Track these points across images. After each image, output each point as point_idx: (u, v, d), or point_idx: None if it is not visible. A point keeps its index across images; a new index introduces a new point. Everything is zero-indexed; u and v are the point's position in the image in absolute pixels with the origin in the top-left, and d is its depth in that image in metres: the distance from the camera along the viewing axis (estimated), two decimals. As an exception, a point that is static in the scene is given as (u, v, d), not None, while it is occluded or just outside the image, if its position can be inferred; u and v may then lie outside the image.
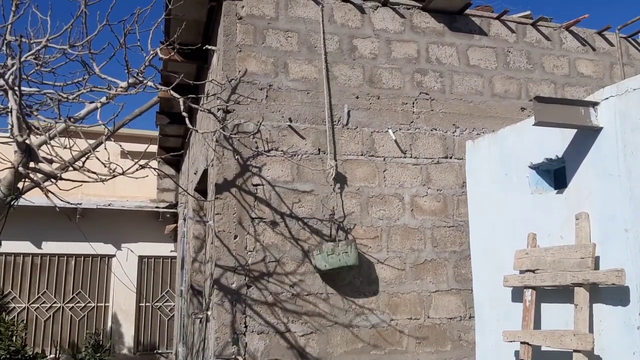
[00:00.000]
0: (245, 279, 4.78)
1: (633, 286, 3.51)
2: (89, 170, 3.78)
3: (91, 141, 4.11)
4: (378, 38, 5.55)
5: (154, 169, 4.18)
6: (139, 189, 11.39)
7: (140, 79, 4.16)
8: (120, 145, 4.31)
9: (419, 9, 5.70)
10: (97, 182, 3.73)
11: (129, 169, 3.83)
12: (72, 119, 4.12)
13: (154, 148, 10.85)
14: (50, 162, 3.80)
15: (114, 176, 3.79)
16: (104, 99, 4.19)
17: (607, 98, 3.81)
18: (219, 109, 4.91)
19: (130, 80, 4.15)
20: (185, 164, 9.15)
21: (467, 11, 5.81)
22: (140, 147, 13.03)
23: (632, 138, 3.60)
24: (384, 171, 5.33)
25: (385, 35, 5.58)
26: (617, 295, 3.61)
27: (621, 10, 27.60)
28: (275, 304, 4.80)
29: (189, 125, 4.59)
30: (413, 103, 5.54)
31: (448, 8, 5.70)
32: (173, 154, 7.58)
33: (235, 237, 4.85)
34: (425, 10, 5.70)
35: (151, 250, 11.69)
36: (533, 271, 4.23)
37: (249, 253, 4.85)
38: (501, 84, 5.80)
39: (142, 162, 3.92)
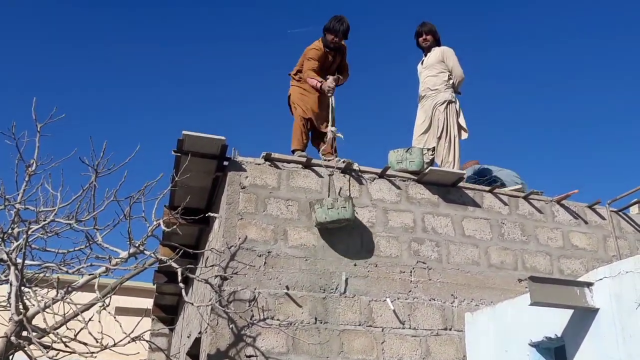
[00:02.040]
0: None
1: None
2: (80, 342, 3.71)
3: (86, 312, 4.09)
4: (375, 207, 5.74)
5: (146, 341, 4.11)
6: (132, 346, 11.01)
7: (141, 249, 4.25)
8: (111, 314, 4.21)
9: (414, 181, 5.95)
10: (87, 354, 3.64)
11: (120, 341, 3.76)
12: (69, 287, 4.13)
13: (149, 303, 10.69)
14: (43, 334, 3.75)
15: (104, 348, 3.71)
16: (102, 269, 4.25)
17: (601, 279, 3.84)
18: (216, 277, 4.93)
19: (131, 251, 4.24)
20: (179, 324, 8.94)
21: (461, 184, 6.06)
22: (136, 302, 12.89)
23: (629, 321, 3.58)
24: (383, 343, 5.21)
25: (382, 205, 5.76)
26: None
27: (609, 184, 28.78)
28: None
29: (185, 298, 4.59)
30: (411, 272, 5.56)
31: (442, 181, 5.97)
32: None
33: (226, 412, 4.61)
34: (420, 182, 5.95)
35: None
36: None
37: None
38: (497, 254, 5.87)
39: (134, 334, 3.85)
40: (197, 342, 5.84)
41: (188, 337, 6.83)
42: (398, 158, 6.11)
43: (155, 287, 9.19)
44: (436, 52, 6.88)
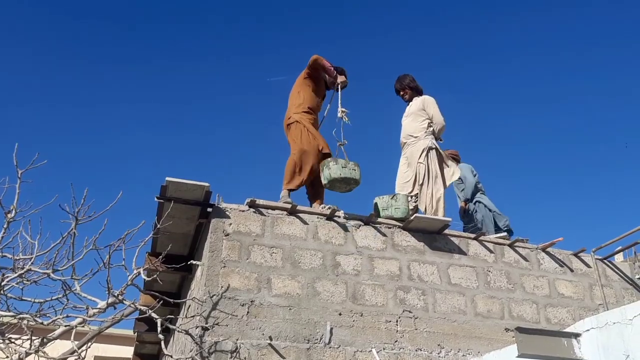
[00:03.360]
0: None
1: None
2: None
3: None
4: (361, 255, 5.68)
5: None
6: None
7: (120, 298, 4.14)
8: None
9: (400, 228, 5.93)
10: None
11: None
12: (44, 339, 4.00)
13: (130, 352, 10.38)
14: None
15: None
16: (79, 320, 4.13)
17: (588, 330, 3.79)
18: (197, 327, 4.80)
19: (110, 300, 4.13)
20: (160, 374, 8.68)
21: (446, 231, 6.05)
22: (116, 350, 12.54)
23: (618, 374, 3.51)
24: (368, 396, 5.07)
25: (367, 252, 5.71)
26: None
27: (593, 233, 28.97)
28: None
29: (164, 350, 4.45)
30: (397, 321, 5.47)
31: (427, 228, 5.95)
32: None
33: None
34: (406, 229, 5.92)
35: None
36: None
37: None
38: (483, 303, 5.81)
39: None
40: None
41: (168, 389, 6.62)
42: (383, 205, 6.12)
43: (136, 335, 8.96)
44: (417, 101, 6.98)
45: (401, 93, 7.16)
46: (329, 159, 6.02)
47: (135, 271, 4.28)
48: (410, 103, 7.05)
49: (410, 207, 6.27)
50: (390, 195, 6.22)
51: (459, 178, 7.23)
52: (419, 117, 6.85)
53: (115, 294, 4.12)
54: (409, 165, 6.77)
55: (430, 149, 6.70)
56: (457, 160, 7.79)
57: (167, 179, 5.12)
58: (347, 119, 6.39)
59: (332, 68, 6.68)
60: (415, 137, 6.80)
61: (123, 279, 4.53)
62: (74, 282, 4.22)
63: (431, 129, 6.81)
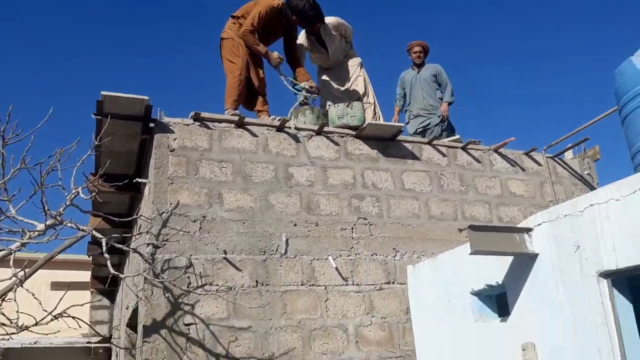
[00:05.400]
0: None
1: (588, 423, 3.32)
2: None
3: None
4: (314, 165, 5.56)
5: (72, 317, 3.84)
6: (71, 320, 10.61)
7: (59, 219, 3.92)
8: (29, 291, 3.85)
9: (353, 137, 5.80)
10: (5, 335, 3.35)
11: (42, 319, 3.48)
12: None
13: (87, 277, 10.27)
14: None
15: (23, 329, 3.43)
16: (17, 245, 3.90)
17: (540, 224, 3.82)
18: (148, 245, 4.66)
19: (49, 222, 3.91)
20: (119, 295, 8.63)
21: (400, 137, 5.95)
22: (74, 275, 12.39)
23: (568, 265, 3.57)
24: (326, 301, 5.11)
25: (320, 163, 5.59)
26: None
27: (544, 132, 29.67)
28: None
29: (111, 269, 4.31)
30: (352, 228, 5.46)
31: (380, 135, 5.83)
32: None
33: (165, 385, 4.42)
34: (359, 137, 5.80)
35: (82, 391, 10.70)
36: (485, 407, 3.99)
37: (181, 402, 4.41)
38: (437, 206, 5.84)
39: (56, 312, 3.57)
40: (135, 313, 5.59)
41: (127, 308, 6.58)
42: (339, 113, 5.97)
43: (91, 259, 8.82)
44: (327, 27, 6.77)
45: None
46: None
47: (74, 191, 4.04)
48: (320, 32, 6.78)
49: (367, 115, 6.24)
50: (345, 104, 6.07)
51: (435, 77, 7.16)
52: (336, 39, 6.84)
53: (54, 215, 3.89)
54: (347, 80, 6.94)
55: (361, 64, 7.02)
56: (426, 52, 7.48)
57: (103, 93, 4.79)
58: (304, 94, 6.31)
59: (260, 49, 6.23)
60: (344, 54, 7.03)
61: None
62: (8, 206, 3.96)
63: (349, 44, 6.98)
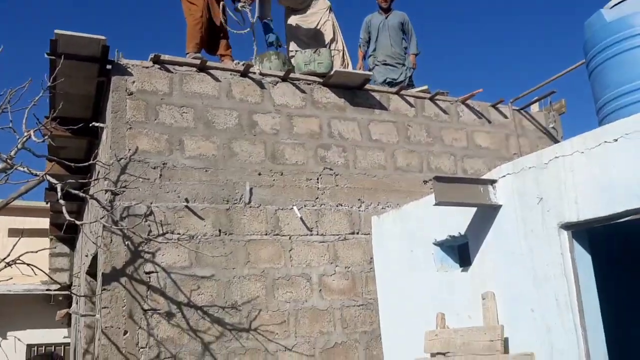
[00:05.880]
0: (136, 381, 4.28)
1: (543, 370, 3.41)
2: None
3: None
4: (279, 113, 5.42)
5: (27, 264, 3.70)
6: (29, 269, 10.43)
7: (10, 163, 3.72)
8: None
9: (320, 84, 5.66)
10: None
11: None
12: None
13: (45, 224, 10.04)
14: None
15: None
16: (-37, 189, 3.71)
17: (504, 176, 3.81)
18: (106, 191, 4.51)
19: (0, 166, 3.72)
20: (79, 243, 8.47)
21: (367, 86, 5.84)
22: (32, 222, 12.11)
23: (530, 216, 3.59)
24: (290, 250, 5.09)
25: (286, 111, 5.45)
26: (528, 379, 3.50)
27: (511, 84, 29.80)
28: (172, 407, 4.32)
29: (67, 216, 4.16)
30: (317, 179, 5.39)
31: (348, 83, 5.70)
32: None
33: (125, 332, 4.37)
34: (326, 85, 5.66)
35: (42, 338, 10.63)
36: (444, 354, 4.07)
37: (141, 350, 4.37)
38: (403, 157, 5.80)
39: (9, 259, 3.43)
40: (95, 260, 5.48)
41: (86, 256, 6.45)
42: (306, 59, 5.79)
43: (49, 206, 8.60)
44: None
45: None
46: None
47: (25, 134, 3.83)
48: None
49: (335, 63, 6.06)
50: (312, 50, 5.89)
51: (402, 25, 6.93)
52: None
53: (4, 158, 3.70)
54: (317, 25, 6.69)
55: (330, 7, 6.85)
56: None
57: (56, 31, 4.51)
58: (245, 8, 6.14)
59: None
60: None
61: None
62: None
63: None
